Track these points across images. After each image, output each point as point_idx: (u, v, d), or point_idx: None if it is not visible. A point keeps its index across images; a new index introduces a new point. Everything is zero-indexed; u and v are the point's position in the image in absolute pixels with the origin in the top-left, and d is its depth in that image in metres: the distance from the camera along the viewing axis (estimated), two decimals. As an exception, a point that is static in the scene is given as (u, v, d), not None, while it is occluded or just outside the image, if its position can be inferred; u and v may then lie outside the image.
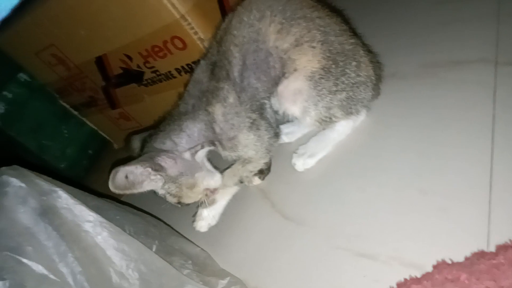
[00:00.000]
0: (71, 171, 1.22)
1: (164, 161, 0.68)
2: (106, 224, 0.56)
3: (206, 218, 0.76)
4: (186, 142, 0.71)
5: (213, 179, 0.73)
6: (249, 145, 0.71)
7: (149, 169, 0.67)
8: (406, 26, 0.88)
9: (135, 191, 0.67)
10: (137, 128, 1.16)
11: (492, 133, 0.59)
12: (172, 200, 0.72)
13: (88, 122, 1.25)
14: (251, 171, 0.76)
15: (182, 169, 0.70)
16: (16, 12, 1.04)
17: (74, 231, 0.53)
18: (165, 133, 0.70)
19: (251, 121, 0.70)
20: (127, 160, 0.68)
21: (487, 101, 0.63)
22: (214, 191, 0.74)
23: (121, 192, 0.66)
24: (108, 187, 1.10)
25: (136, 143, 0.78)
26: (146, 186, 0.68)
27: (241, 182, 0.76)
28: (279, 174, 0.78)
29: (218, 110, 0.69)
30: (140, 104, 1.04)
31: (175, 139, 0.70)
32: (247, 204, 0.77)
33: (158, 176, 0.68)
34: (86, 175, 1.28)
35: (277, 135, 0.76)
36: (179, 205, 0.73)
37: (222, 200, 0.77)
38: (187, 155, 0.70)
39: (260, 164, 0.76)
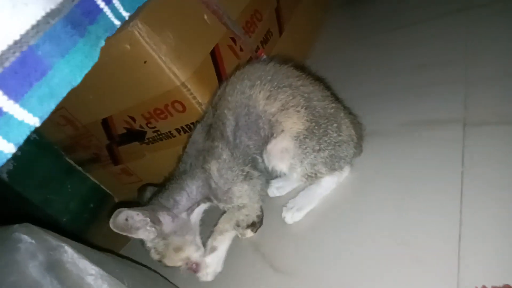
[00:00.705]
0: (73, 224, 1.26)
1: (163, 217, 0.74)
2: (106, 277, 0.60)
3: (211, 266, 0.78)
4: (186, 200, 0.77)
5: (197, 251, 0.78)
6: (243, 196, 0.77)
7: (148, 219, 0.72)
8: (385, 88, 0.97)
9: (129, 235, 0.72)
10: (137, 183, 1.21)
11: (461, 188, 0.64)
12: (155, 256, 0.76)
13: (91, 177, 1.31)
14: (247, 215, 0.80)
15: (176, 228, 0.75)
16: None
17: (78, 284, 0.57)
18: (169, 192, 0.76)
19: (244, 173, 0.76)
20: (130, 205, 0.73)
21: (456, 158, 0.69)
22: (195, 265, 0.78)
23: (118, 231, 0.71)
24: (107, 240, 1.14)
25: (147, 194, 0.83)
26: (140, 234, 0.73)
27: (238, 226, 0.80)
28: (269, 226, 0.83)
29: (213, 167, 0.76)
30: (141, 161, 1.11)
31: (177, 197, 0.76)
32: (239, 257, 0.80)
33: (153, 229, 0.73)
34: (87, 227, 1.31)
35: (268, 181, 0.83)
36: (160, 263, 0.77)
37: (222, 245, 0.80)
38: (184, 214, 0.76)
39: (254, 208, 0.80)
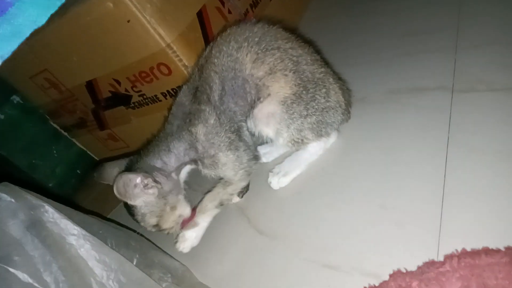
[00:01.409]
0: (59, 189, 1.26)
1: (159, 177, 0.72)
2: (89, 237, 0.60)
3: (189, 239, 0.79)
4: (174, 161, 0.75)
5: (187, 208, 0.77)
6: (228, 164, 0.75)
7: (150, 179, 0.70)
8: (375, 56, 0.95)
9: (129, 200, 0.71)
10: (124, 149, 1.21)
11: (446, 154, 0.64)
12: (151, 220, 0.74)
13: (77, 143, 1.29)
14: (231, 194, 0.80)
15: (171, 187, 0.74)
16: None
17: (59, 243, 0.57)
18: (157, 153, 0.74)
19: (229, 141, 0.74)
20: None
21: (443, 125, 0.69)
22: (186, 222, 0.77)
23: (120, 197, 0.69)
24: (95, 205, 1.14)
25: (112, 170, 0.79)
26: (141, 197, 0.71)
27: (221, 204, 0.80)
28: (256, 192, 0.83)
29: (200, 130, 0.74)
30: (127, 126, 1.09)
31: (165, 158, 0.74)
32: (226, 220, 0.81)
33: (156, 189, 0.71)
34: (74, 193, 1.31)
35: (256, 157, 0.80)
36: (153, 229, 0.75)
37: (203, 222, 0.80)
38: (174, 174, 0.75)
39: (239, 187, 0.80)
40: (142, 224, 0.75)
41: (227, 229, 0.79)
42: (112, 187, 0.75)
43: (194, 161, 0.75)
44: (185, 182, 0.78)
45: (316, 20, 1.28)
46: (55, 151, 1.26)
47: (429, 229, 0.56)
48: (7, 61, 1.04)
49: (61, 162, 1.27)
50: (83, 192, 1.30)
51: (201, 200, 0.80)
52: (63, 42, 0.92)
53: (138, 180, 0.69)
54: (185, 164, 0.75)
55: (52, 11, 0.40)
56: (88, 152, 1.31)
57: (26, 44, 0.96)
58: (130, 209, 0.74)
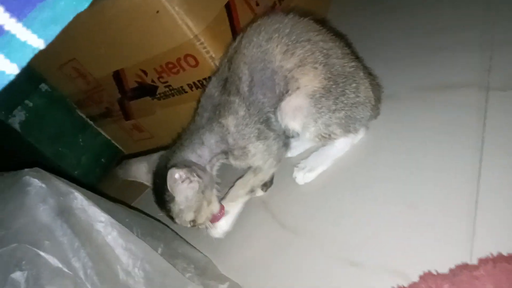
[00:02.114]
0: (84, 178, 1.28)
1: (196, 170, 0.71)
2: (116, 225, 0.60)
3: (223, 227, 0.78)
4: (207, 154, 0.74)
5: (217, 203, 0.76)
6: (257, 154, 0.75)
7: (194, 173, 0.69)
8: (405, 51, 0.93)
9: (175, 194, 0.70)
10: (148, 139, 1.22)
11: (481, 155, 0.62)
12: (187, 216, 0.73)
13: (102, 132, 1.31)
14: (262, 180, 0.79)
15: (208, 181, 0.74)
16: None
17: (87, 230, 0.58)
18: (192, 146, 0.74)
19: (259, 131, 0.74)
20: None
21: (477, 123, 0.66)
22: (215, 217, 0.77)
23: (171, 191, 0.69)
24: (119, 193, 1.15)
25: (138, 166, 0.79)
26: (184, 191, 0.70)
27: (252, 191, 0.79)
28: (280, 186, 0.82)
29: (231, 122, 0.73)
30: (152, 117, 1.10)
31: (199, 152, 0.74)
32: (249, 214, 0.80)
33: (197, 183, 0.70)
34: (98, 182, 1.33)
35: (286, 145, 0.79)
36: (189, 224, 0.75)
37: (234, 209, 0.79)
38: (208, 167, 0.75)
39: (269, 173, 0.79)
40: (177, 220, 0.74)
41: (250, 223, 0.79)
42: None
43: (225, 152, 0.75)
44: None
45: (342, 14, 1.25)
46: (81, 140, 1.28)
47: (462, 231, 0.54)
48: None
49: (86, 151, 1.29)
50: (107, 181, 1.32)
51: (230, 189, 0.80)
52: (92, 33, 0.93)
53: (184, 174, 0.68)
54: (217, 156, 0.74)
55: None
56: (113, 141, 1.33)
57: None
58: (164, 206, 0.73)
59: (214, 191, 0.76)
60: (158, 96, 1.01)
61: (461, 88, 0.75)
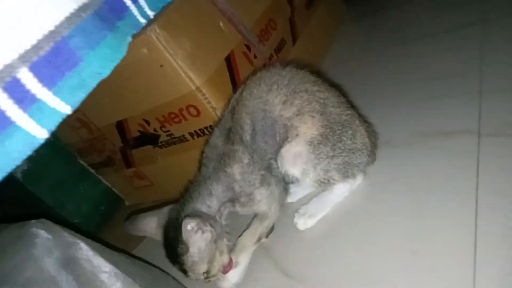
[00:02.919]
0: (84, 226, 1.27)
1: (208, 220, 0.72)
2: (120, 275, 0.61)
3: (234, 279, 0.78)
4: (216, 204, 0.76)
5: (227, 254, 0.76)
6: (263, 200, 0.77)
7: (207, 223, 0.70)
8: (398, 99, 0.97)
9: (189, 246, 0.70)
10: (147, 186, 1.23)
11: (476, 197, 0.64)
12: (201, 268, 0.72)
13: (103, 180, 1.32)
14: (267, 227, 0.81)
15: (219, 231, 0.74)
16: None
17: (91, 281, 0.58)
18: (199, 198, 0.75)
19: (262, 177, 0.76)
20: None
21: (471, 168, 0.69)
22: (226, 267, 0.76)
23: (186, 242, 0.69)
24: (119, 241, 1.14)
25: (148, 221, 0.80)
26: (197, 242, 0.70)
27: (259, 240, 0.80)
28: (281, 232, 0.83)
29: (236, 170, 0.76)
30: (153, 165, 1.12)
31: (208, 202, 0.75)
32: (252, 262, 0.80)
33: (210, 233, 0.70)
34: (98, 230, 1.33)
35: (285, 190, 0.82)
36: (202, 276, 0.74)
37: (244, 260, 0.79)
38: (217, 217, 0.76)
39: (274, 219, 0.81)
40: (190, 273, 0.73)
41: (252, 271, 0.79)
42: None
43: (232, 201, 0.76)
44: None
45: (338, 63, 1.31)
46: (81, 188, 1.29)
47: (463, 276, 0.55)
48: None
49: (86, 199, 1.30)
50: (107, 229, 1.32)
51: (237, 240, 0.81)
52: (98, 84, 0.97)
53: (196, 224, 0.69)
54: (225, 204, 0.76)
55: (115, 63, 0.44)
56: (113, 189, 1.33)
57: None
58: (177, 260, 0.73)
59: (225, 240, 0.76)
60: (160, 144, 1.04)
61: (455, 134, 0.78)
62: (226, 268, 0.76)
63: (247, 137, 0.76)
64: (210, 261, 0.73)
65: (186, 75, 0.85)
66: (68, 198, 1.25)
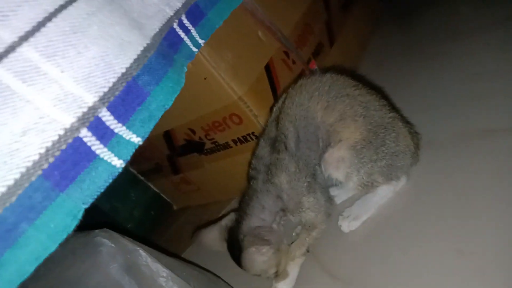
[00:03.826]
0: (136, 231, 1.35)
1: (265, 235, 0.75)
2: (176, 279, 0.65)
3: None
4: (269, 215, 0.79)
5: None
6: (311, 207, 0.78)
7: (264, 241, 0.74)
8: (441, 98, 0.95)
9: (253, 270, 0.76)
10: (194, 191, 1.28)
11: (526, 198, 0.63)
12: (271, 271, 0.77)
13: (152, 186, 1.39)
14: (316, 238, 0.81)
15: (277, 238, 0.78)
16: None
17: (151, 285, 0.62)
18: (252, 214, 0.78)
19: (308, 184, 0.78)
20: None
21: (519, 167, 0.68)
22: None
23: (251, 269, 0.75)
24: (169, 244, 1.20)
25: (211, 235, 0.85)
26: (259, 263, 0.75)
27: (308, 251, 0.81)
28: (326, 235, 0.84)
29: (283, 179, 0.78)
30: (199, 170, 1.17)
31: (262, 216, 0.78)
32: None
33: (268, 248, 0.75)
34: (149, 234, 1.40)
35: (330, 198, 0.83)
36: (273, 276, 0.78)
37: (294, 270, 0.81)
38: (274, 226, 0.79)
39: (321, 229, 0.81)
40: (262, 275, 0.78)
41: (299, 274, 0.80)
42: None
43: (283, 210, 0.79)
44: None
45: (376, 64, 1.31)
46: (133, 195, 1.36)
47: (510, 276, 0.55)
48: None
49: (138, 205, 1.37)
50: (156, 233, 1.38)
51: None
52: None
53: (254, 251, 0.73)
54: (278, 214, 0.79)
55: (176, 95, 0.48)
56: (162, 194, 1.40)
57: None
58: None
59: (285, 241, 0.79)
60: (205, 152, 1.08)
61: (499, 133, 0.76)
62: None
63: (291, 145, 0.78)
64: (277, 265, 0.76)
65: (229, 86, 0.89)
66: (121, 204, 1.33)
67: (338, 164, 0.78)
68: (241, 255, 0.73)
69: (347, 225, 0.81)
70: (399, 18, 1.51)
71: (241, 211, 0.80)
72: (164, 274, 0.65)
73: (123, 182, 1.35)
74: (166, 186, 1.36)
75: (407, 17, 1.46)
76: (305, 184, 0.77)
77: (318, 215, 0.79)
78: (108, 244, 0.63)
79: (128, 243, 0.65)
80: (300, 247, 0.81)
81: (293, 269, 0.80)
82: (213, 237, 0.84)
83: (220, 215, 1.10)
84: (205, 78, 0.88)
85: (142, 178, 1.37)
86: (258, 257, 0.74)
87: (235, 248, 0.77)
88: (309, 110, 0.78)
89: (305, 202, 0.78)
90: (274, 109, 0.84)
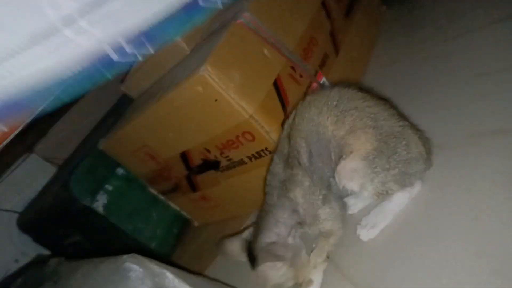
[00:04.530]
0: (160, 249, 1.39)
1: (278, 250, 0.77)
2: (203, 299, 0.68)
3: None
4: (284, 229, 0.80)
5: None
6: (327, 218, 0.80)
7: (277, 257, 0.76)
8: (448, 99, 0.96)
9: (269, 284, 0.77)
10: (214, 207, 1.31)
11: (541, 197, 0.64)
12: (289, 284, 0.79)
13: (172, 205, 1.43)
14: (333, 244, 0.83)
15: (292, 252, 0.79)
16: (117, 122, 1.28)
17: (179, 306, 0.65)
18: (267, 229, 0.80)
19: (323, 196, 0.80)
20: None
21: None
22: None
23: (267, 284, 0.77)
24: (192, 262, 1.23)
25: (232, 246, 0.87)
26: (273, 277, 0.77)
27: (328, 257, 0.83)
28: (346, 245, 0.86)
29: (298, 193, 0.80)
30: (217, 187, 1.20)
31: (276, 230, 0.79)
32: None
33: (281, 263, 0.76)
34: (173, 251, 1.43)
35: (344, 206, 0.85)
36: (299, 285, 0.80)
37: (317, 277, 0.82)
38: (290, 240, 0.80)
39: (338, 235, 0.83)
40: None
41: (322, 285, 0.82)
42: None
43: (299, 223, 0.80)
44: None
45: (383, 67, 1.32)
46: (154, 215, 1.40)
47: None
48: (113, 141, 1.23)
49: (160, 224, 1.41)
50: (180, 250, 1.42)
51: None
52: (160, 121, 1.07)
53: (267, 268, 0.75)
54: (294, 227, 0.80)
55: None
56: (182, 212, 1.44)
57: (129, 125, 1.14)
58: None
59: (303, 252, 0.80)
60: (221, 169, 1.11)
61: (509, 132, 0.77)
62: None
63: (304, 160, 0.80)
64: (295, 277, 0.78)
65: (239, 106, 0.92)
66: (143, 224, 1.37)
67: (351, 175, 0.79)
68: (256, 270, 0.75)
69: (366, 234, 0.82)
70: (403, 17, 1.52)
71: (257, 225, 0.83)
72: (191, 294, 0.68)
73: (144, 202, 1.39)
74: (186, 204, 1.39)
75: (411, 16, 1.47)
76: (321, 197, 0.79)
77: (335, 223, 0.81)
78: (137, 269, 0.66)
79: (155, 267, 0.68)
80: (321, 255, 0.82)
81: (317, 276, 0.82)
82: (236, 248, 0.86)
83: (242, 227, 1.13)
84: (215, 100, 0.92)
85: (162, 197, 1.41)
86: (272, 272, 0.75)
87: (253, 262, 0.79)
88: (319, 125, 0.80)
89: (322, 214, 0.80)
90: (285, 126, 0.87)
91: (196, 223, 1.47)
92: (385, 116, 0.80)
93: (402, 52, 1.30)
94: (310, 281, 0.81)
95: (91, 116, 1.74)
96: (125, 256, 0.69)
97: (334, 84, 0.85)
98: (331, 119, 0.79)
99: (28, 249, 1.59)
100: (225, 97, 0.91)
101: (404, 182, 0.78)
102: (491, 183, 0.72)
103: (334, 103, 0.80)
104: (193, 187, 1.26)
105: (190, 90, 0.93)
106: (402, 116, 0.83)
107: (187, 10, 0.49)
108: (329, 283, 0.81)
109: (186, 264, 1.24)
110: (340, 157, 0.80)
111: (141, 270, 0.66)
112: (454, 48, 1.12)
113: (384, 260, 0.76)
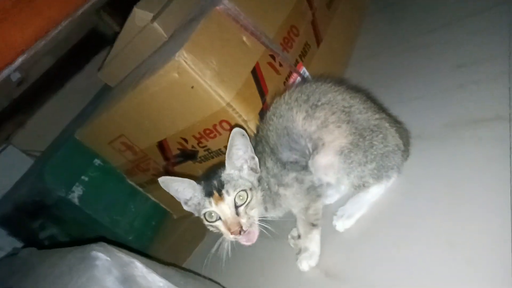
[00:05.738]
0: (138, 242, 1.36)
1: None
2: (173, 288, 0.66)
3: (310, 261, 0.80)
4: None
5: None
6: (289, 197, 0.81)
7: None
8: (427, 90, 0.96)
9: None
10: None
11: (511, 186, 0.64)
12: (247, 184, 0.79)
13: (151, 197, 1.40)
14: (315, 214, 0.81)
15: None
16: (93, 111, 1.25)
17: (148, 296, 0.63)
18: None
19: (290, 179, 0.80)
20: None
21: (504, 156, 0.68)
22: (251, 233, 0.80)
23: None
24: (170, 254, 1.21)
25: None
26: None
27: (314, 225, 0.81)
28: (322, 235, 0.85)
29: (263, 173, 0.81)
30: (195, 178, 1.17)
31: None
32: (292, 264, 0.83)
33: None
34: (150, 244, 1.41)
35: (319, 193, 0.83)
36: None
37: (312, 244, 0.81)
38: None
39: (317, 207, 0.81)
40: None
41: (294, 274, 0.81)
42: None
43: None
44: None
45: (365, 58, 1.31)
46: (132, 207, 1.38)
47: (500, 266, 0.55)
48: (88, 130, 1.20)
49: (138, 216, 1.38)
50: (158, 243, 1.40)
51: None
52: (137, 110, 1.04)
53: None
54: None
55: None
56: (161, 204, 1.41)
57: (106, 113, 1.11)
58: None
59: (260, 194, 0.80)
60: (199, 159, 1.09)
61: (486, 122, 0.77)
62: (251, 233, 0.77)
63: (271, 146, 0.81)
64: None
65: (216, 93, 0.90)
66: (121, 216, 1.34)
67: (326, 170, 0.79)
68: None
69: (341, 224, 0.82)
70: (386, 9, 1.51)
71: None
72: (161, 284, 0.66)
73: (121, 194, 1.36)
74: (164, 196, 1.36)
75: (394, 7, 1.46)
76: (285, 178, 0.80)
77: (302, 201, 0.81)
78: (103, 257, 0.64)
79: (123, 256, 0.66)
80: (305, 226, 0.82)
81: (312, 243, 0.81)
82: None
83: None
84: (192, 87, 0.89)
85: (140, 189, 1.38)
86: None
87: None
88: (289, 120, 0.79)
89: (282, 193, 0.81)
90: (260, 121, 0.86)
91: (175, 216, 1.44)
92: (361, 110, 0.79)
93: (385, 44, 1.30)
94: (305, 248, 0.81)
95: (72, 107, 1.70)
96: (92, 245, 0.67)
97: (314, 76, 0.83)
98: (301, 114, 0.79)
99: (3, 243, 1.55)
100: (201, 83, 0.89)
101: (381, 175, 0.78)
102: (466, 173, 0.72)
103: (304, 98, 0.80)
104: (172, 178, 1.24)
105: (166, 76, 0.91)
106: (381, 108, 0.83)
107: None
108: (304, 273, 0.80)
109: (164, 256, 1.22)
110: (313, 151, 0.79)
111: (108, 259, 0.64)
112: (434, 39, 1.12)
113: (359, 250, 0.76)
